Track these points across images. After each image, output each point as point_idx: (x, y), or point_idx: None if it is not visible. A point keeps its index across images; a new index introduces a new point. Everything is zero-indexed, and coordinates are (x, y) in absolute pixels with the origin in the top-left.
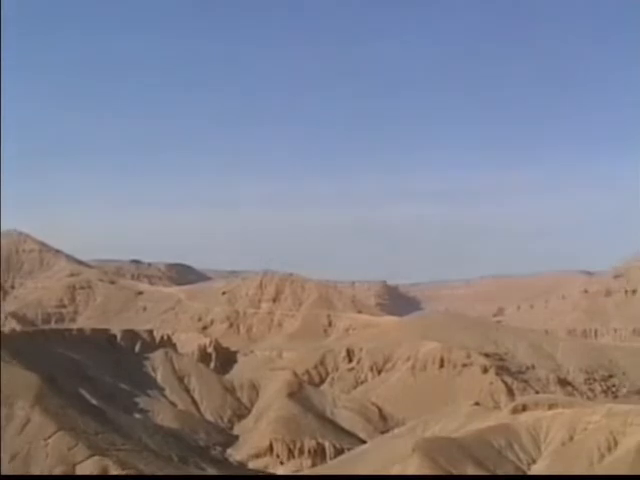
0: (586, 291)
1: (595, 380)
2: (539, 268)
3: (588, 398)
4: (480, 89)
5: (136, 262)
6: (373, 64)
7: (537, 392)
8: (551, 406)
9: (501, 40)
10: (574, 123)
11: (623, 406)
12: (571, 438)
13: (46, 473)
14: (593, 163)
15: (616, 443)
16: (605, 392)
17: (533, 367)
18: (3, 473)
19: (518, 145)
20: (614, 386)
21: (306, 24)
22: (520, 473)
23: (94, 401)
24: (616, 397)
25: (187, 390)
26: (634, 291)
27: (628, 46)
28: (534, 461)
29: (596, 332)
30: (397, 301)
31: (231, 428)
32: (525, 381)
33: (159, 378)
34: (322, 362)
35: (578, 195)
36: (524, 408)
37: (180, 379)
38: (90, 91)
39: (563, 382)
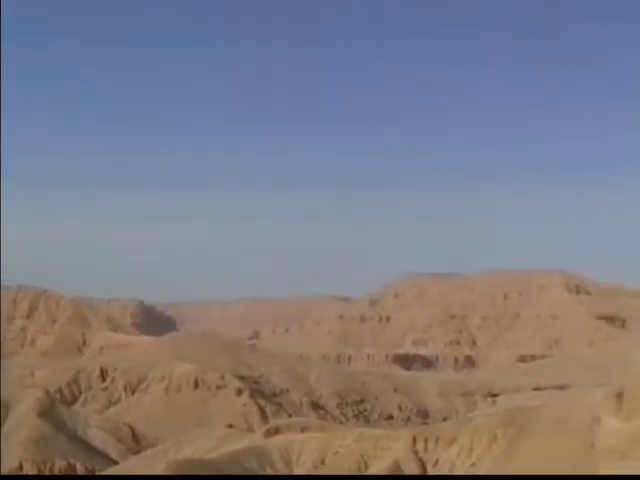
0: (341, 317)
1: (347, 404)
2: (295, 292)
3: (340, 422)
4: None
5: None
6: None
7: (290, 415)
8: (303, 429)
9: None
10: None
11: (374, 431)
12: (323, 461)
13: None
14: (341, 195)
15: (367, 467)
16: (357, 417)
17: (287, 390)
18: None
19: (283, 170)
20: (366, 411)
21: None
22: None
23: None
24: (368, 422)
25: None
26: (388, 318)
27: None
28: None
29: (350, 357)
30: (153, 321)
31: None
32: (278, 404)
33: None
34: (75, 381)
35: (338, 222)
36: (277, 431)
37: None
38: None
39: (316, 406)
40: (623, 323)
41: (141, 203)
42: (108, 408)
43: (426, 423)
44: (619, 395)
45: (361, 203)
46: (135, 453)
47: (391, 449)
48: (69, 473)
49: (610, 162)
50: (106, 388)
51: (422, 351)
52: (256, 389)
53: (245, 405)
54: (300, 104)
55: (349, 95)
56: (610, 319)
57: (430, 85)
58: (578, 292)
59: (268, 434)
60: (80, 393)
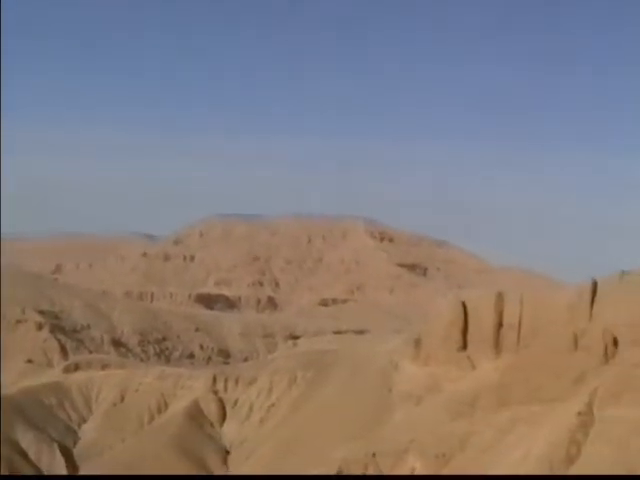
0: (145, 254)
1: (149, 342)
2: (100, 228)
3: (141, 360)
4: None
5: None
6: None
7: (91, 352)
8: (104, 366)
9: None
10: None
11: (175, 369)
12: (122, 399)
13: None
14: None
15: (166, 405)
16: (158, 355)
17: (88, 327)
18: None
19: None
20: (167, 349)
21: None
22: (71, 432)
23: None
24: (169, 360)
25: None
26: (192, 257)
27: None
28: (85, 420)
29: (153, 295)
30: None
31: None
32: (79, 340)
33: None
34: None
35: (145, 159)
36: (77, 367)
37: None
38: None
39: (117, 343)
40: (424, 271)
41: None
42: None
43: (227, 363)
44: (417, 342)
45: (169, 142)
46: None
47: (191, 388)
48: None
49: (410, 114)
50: None
51: (225, 291)
52: (57, 324)
53: (45, 340)
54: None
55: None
56: (411, 267)
57: None
58: (381, 239)
59: (68, 370)
60: None
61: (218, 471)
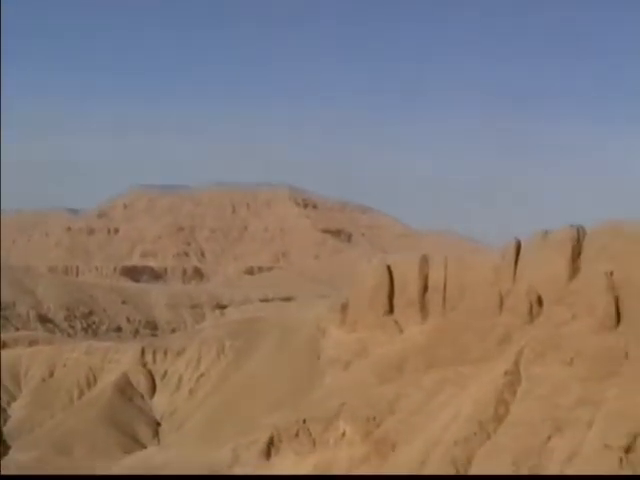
0: (69, 228)
1: (76, 317)
2: (23, 204)
3: (69, 335)
4: None
5: None
6: None
7: (18, 329)
8: (31, 343)
9: None
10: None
11: (103, 343)
12: (51, 375)
13: None
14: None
15: (95, 379)
16: (85, 329)
17: (14, 304)
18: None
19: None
20: (94, 323)
21: None
22: (0, 410)
23: None
24: (96, 334)
25: None
26: (117, 230)
27: None
28: (14, 398)
29: (78, 269)
30: None
31: None
32: (5, 317)
33: None
34: None
35: (66, 132)
36: (4, 345)
37: None
38: None
39: (44, 319)
40: (349, 237)
41: None
42: None
43: (155, 335)
44: (344, 307)
45: (91, 115)
46: None
47: (120, 362)
48: None
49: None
50: None
51: (151, 263)
52: None
53: None
54: None
55: None
56: (336, 233)
57: None
58: (305, 206)
59: None
60: None
61: (150, 443)
